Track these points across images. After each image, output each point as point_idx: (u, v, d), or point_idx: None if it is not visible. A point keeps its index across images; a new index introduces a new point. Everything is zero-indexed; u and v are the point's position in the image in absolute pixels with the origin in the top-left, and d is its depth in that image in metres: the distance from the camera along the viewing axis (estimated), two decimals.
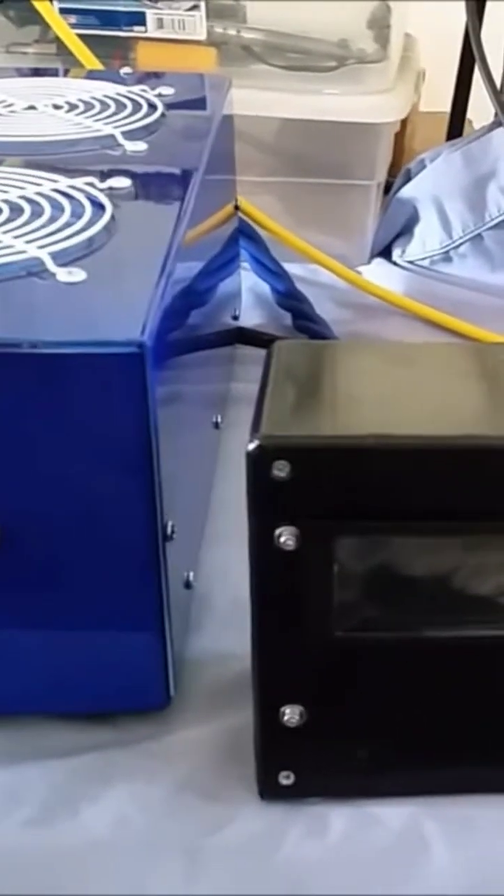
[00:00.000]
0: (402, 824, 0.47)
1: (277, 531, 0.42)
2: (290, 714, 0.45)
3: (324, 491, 0.42)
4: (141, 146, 0.61)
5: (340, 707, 0.46)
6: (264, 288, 0.87)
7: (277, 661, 0.45)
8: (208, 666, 0.53)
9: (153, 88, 0.70)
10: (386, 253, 0.98)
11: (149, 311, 0.45)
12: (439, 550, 0.45)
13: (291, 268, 0.90)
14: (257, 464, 0.42)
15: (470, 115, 1.15)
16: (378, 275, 0.94)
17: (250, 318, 0.84)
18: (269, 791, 0.47)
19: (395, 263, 0.97)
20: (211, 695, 0.52)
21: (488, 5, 0.96)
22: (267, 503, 0.42)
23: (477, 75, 0.93)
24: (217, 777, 0.48)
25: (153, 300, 0.46)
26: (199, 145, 0.63)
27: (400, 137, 1.06)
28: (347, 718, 0.46)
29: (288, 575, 0.43)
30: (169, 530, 0.46)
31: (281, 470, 0.42)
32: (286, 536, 0.42)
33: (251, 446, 0.42)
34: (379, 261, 0.97)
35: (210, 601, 0.56)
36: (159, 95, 0.69)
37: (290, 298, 0.84)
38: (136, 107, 0.67)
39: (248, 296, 0.87)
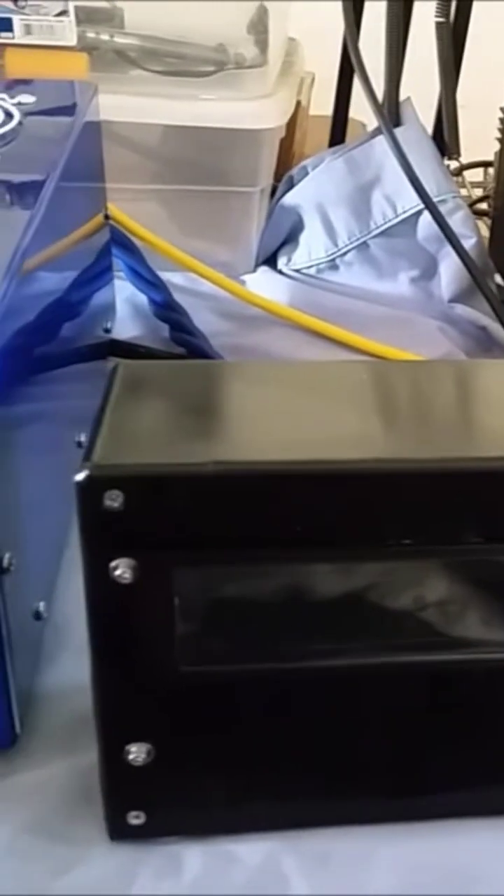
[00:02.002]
0: (259, 860, 0.45)
1: (113, 563, 0.40)
2: (137, 752, 0.43)
3: (161, 521, 0.40)
4: None
5: (190, 743, 0.44)
6: (142, 299, 0.85)
7: (120, 698, 0.43)
8: (62, 700, 0.51)
9: (14, 97, 0.68)
10: (272, 261, 0.96)
11: None
12: (285, 579, 0.43)
13: (173, 277, 0.88)
14: (88, 494, 0.40)
15: (364, 118, 1.14)
16: (263, 283, 0.92)
17: (127, 329, 0.82)
18: (119, 832, 0.45)
19: (280, 272, 0.95)
20: (63, 731, 0.50)
21: (368, 8, 0.95)
22: (100, 535, 0.40)
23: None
24: (65, 818, 0.46)
25: None
26: (56, 154, 0.61)
27: (288, 142, 1.05)
28: (198, 754, 0.45)
29: (126, 609, 0.41)
30: (6, 563, 0.44)
31: (114, 500, 0.40)
32: (122, 569, 0.40)
33: (80, 476, 0.40)
34: (264, 269, 0.95)
35: (67, 631, 0.54)
36: (18, 104, 0.67)
37: (167, 310, 0.83)
38: None
39: (124, 307, 0.84)
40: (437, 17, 0.91)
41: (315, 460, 0.41)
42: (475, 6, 0.99)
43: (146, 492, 0.40)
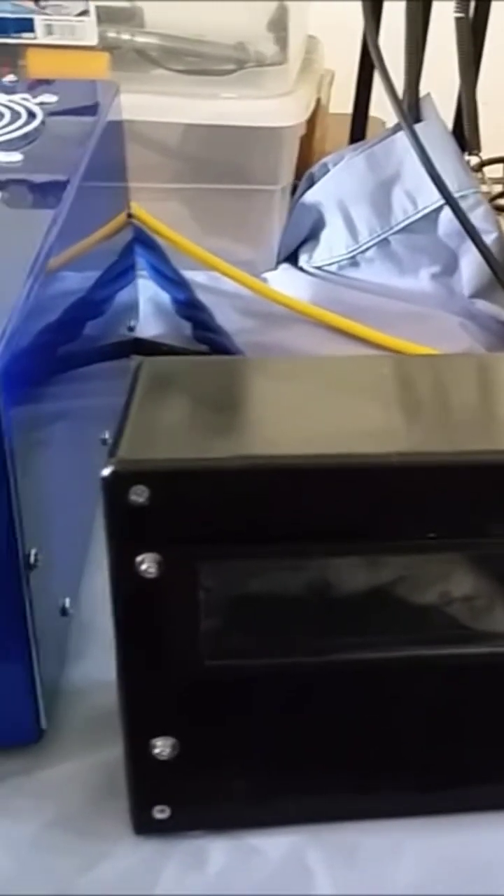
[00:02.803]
0: (283, 854, 0.46)
1: (138, 558, 0.41)
2: (162, 747, 0.44)
3: (186, 516, 0.41)
4: (16, 157, 0.59)
5: (215, 738, 0.45)
6: (165, 297, 0.86)
7: (145, 693, 0.43)
8: (87, 695, 0.51)
9: (36, 96, 0.68)
10: (293, 258, 0.96)
11: (2, 334, 0.43)
12: (309, 573, 0.43)
13: (195, 275, 0.88)
14: (114, 489, 0.40)
15: (383, 116, 1.14)
16: (284, 281, 0.93)
17: (150, 328, 0.83)
18: (144, 826, 0.45)
19: (301, 269, 0.95)
20: (89, 726, 0.50)
21: (387, 5, 0.95)
22: (126, 529, 0.41)
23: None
24: (91, 813, 0.47)
25: (8, 321, 0.44)
26: (79, 153, 0.61)
27: (309, 140, 1.05)
28: (223, 749, 0.45)
29: (151, 603, 0.42)
30: (32, 559, 0.44)
31: (139, 495, 0.40)
32: (147, 564, 0.41)
33: (106, 471, 0.40)
34: (285, 266, 0.95)
35: (92, 627, 0.54)
36: (41, 104, 0.67)
37: (189, 308, 0.83)
38: (15, 116, 0.65)
39: (147, 305, 0.85)
40: (456, 12, 0.91)
41: (338, 454, 0.42)
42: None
43: (171, 487, 0.40)
